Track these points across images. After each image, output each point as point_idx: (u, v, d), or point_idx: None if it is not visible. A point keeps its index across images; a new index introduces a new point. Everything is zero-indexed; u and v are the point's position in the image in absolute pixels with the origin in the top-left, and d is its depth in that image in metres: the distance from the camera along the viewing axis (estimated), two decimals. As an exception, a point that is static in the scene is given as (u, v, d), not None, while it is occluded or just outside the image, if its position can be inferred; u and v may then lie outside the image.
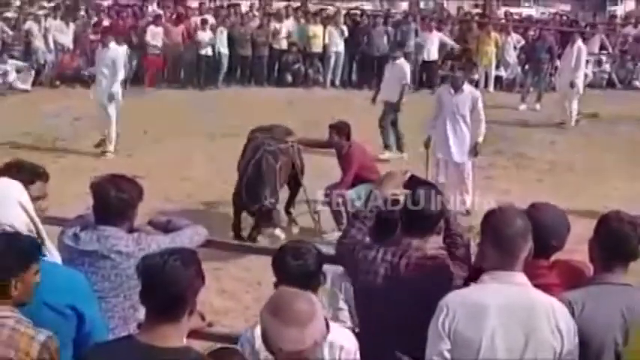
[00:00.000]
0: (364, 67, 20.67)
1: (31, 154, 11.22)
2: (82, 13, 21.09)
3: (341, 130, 8.56)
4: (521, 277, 3.24)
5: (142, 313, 3.49)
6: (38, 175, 3.89)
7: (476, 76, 20.12)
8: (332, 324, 3.02)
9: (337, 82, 20.39)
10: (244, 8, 22.13)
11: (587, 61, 20.96)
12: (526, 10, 29.65)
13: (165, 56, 19.70)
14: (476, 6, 29.16)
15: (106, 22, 19.85)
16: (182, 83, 19.86)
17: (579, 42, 15.63)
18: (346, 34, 20.31)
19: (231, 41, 19.83)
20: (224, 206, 8.79)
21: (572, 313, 3.25)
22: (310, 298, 2.80)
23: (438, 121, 9.81)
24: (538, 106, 17.23)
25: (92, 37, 19.31)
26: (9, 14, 20.93)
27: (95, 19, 20.46)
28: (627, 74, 21.52)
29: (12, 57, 18.74)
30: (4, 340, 2.96)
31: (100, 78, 12.50)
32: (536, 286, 3.27)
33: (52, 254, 3.54)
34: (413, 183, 4.15)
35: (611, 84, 21.21)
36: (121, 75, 12.68)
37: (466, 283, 3.61)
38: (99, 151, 12.19)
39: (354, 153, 8.44)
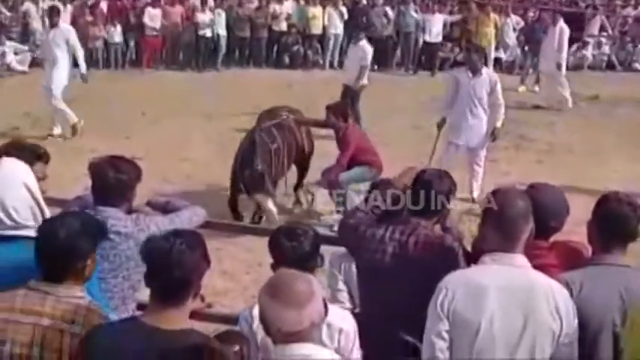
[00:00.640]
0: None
1: (29, 135, 11.22)
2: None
3: (338, 111, 8.51)
4: (521, 259, 3.24)
5: (141, 293, 3.50)
6: (39, 156, 3.89)
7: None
8: (331, 305, 3.02)
9: (336, 64, 20.35)
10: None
11: (587, 43, 20.97)
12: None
13: (163, 38, 19.64)
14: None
15: (103, 4, 19.80)
16: (180, 65, 19.81)
17: (561, 23, 15.54)
18: (346, 16, 20.24)
19: (230, 23, 19.77)
20: (223, 187, 8.78)
21: (570, 294, 3.25)
22: (309, 279, 2.80)
23: (455, 105, 9.49)
24: (537, 88, 17.18)
25: (89, 18, 19.25)
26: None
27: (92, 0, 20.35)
28: (627, 56, 21.50)
29: (10, 39, 18.68)
30: (81, 320, 3.00)
31: (52, 60, 11.94)
32: (535, 266, 3.27)
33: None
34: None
35: (610, 66, 21.18)
36: (82, 53, 12.15)
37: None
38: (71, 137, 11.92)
39: (350, 134, 8.39)
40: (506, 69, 20.23)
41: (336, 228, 5.41)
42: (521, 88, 17.33)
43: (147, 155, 9.50)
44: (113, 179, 3.85)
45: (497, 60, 20.27)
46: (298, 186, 9.17)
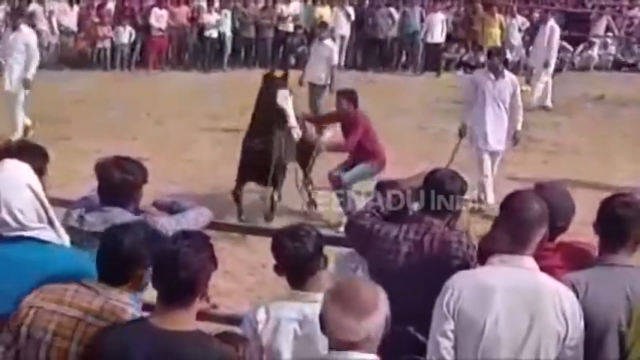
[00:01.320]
0: (368, 49, 20.62)
1: (35, 136, 11.24)
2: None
3: (350, 96, 8.49)
4: (530, 262, 3.24)
5: (145, 293, 3.50)
6: (40, 155, 3.89)
7: (482, 59, 20.05)
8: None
9: (342, 65, 20.33)
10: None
11: (593, 43, 20.93)
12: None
13: (169, 38, 19.67)
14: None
15: (110, 4, 19.84)
16: (186, 65, 19.84)
17: (552, 22, 15.55)
18: (353, 17, 20.22)
19: (235, 23, 19.77)
20: (228, 188, 8.78)
21: (576, 295, 3.25)
22: (377, 290, 2.73)
23: (475, 109, 9.34)
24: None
25: (96, 19, 19.28)
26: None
27: (100, 1, 20.37)
28: (633, 57, 21.45)
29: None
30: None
31: (12, 63, 11.65)
32: (540, 267, 3.26)
33: (62, 237, 3.54)
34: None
35: (616, 66, 21.13)
36: (36, 60, 11.78)
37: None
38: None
39: (360, 119, 8.38)
40: (511, 69, 20.10)
41: (341, 229, 5.41)
42: (525, 87, 17.28)
43: (152, 156, 9.51)
44: (119, 179, 3.87)
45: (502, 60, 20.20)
46: (306, 181, 9.12)
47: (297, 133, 8.05)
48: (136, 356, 2.80)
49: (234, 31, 19.80)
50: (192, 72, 19.38)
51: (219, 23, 19.50)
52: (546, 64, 15.09)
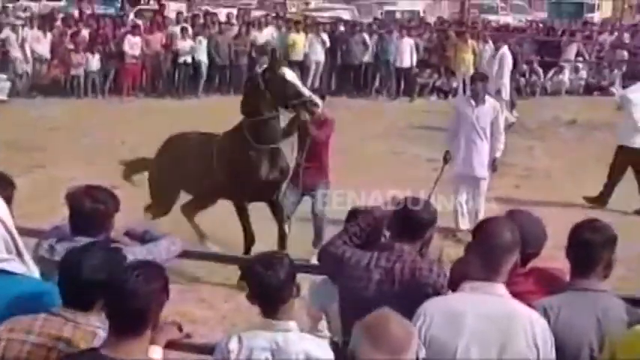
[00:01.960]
0: (342, 74, 20.76)
1: (6, 164, 11.13)
2: (59, 22, 20.93)
3: (321, 95, 8.39)
4: (501, 289, 3.25)
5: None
6: (8, 184, 3.86)
7: (454, 84, 20.27)
8: (308, 335, 2.99)
9: (315, 90, 20.35)
10: (222, 17, 22.14)
11: (563, 68, 21.18)
12: (503, 18, 29.78)
13: (143, 65, 19.64)
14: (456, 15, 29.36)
15: (84, 32, 19.81)
16: (160, 92, 19.81)
17: (504, 49, 15.59)
18: (328, 43, 20.37)
19: (211, 50, 19.81)
20: (204, 216, 8.73)
21: (548, 320, 3.27)
22: (407, 325, 2.69)
23: (458, 135, 9.21)
24: (515, 113, 17.26)
25: (70, 46, 19.23)
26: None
27: (74, 28, 20.33)
28: (604, 81, 21.71)
29: (-12, 67, 18.62)
30: None
31: None
32: (512, 293, 3.28)
33: (30, 268, 3.51)
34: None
35: (588, 90, 21.38)
36: None
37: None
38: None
39: (332, 122, 8.42)
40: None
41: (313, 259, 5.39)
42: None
43: (126, 184, 9.44)
44: (90, 209, 3.84)
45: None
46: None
47: (315, 104, 7.76)
48: None
49: (209, 57, 19.81)
50: (167, 99, 19.34)
51: (193, 50, 19.52)
52: (498, 92, 14.93)
